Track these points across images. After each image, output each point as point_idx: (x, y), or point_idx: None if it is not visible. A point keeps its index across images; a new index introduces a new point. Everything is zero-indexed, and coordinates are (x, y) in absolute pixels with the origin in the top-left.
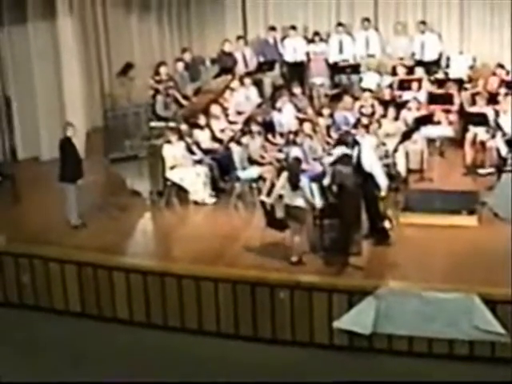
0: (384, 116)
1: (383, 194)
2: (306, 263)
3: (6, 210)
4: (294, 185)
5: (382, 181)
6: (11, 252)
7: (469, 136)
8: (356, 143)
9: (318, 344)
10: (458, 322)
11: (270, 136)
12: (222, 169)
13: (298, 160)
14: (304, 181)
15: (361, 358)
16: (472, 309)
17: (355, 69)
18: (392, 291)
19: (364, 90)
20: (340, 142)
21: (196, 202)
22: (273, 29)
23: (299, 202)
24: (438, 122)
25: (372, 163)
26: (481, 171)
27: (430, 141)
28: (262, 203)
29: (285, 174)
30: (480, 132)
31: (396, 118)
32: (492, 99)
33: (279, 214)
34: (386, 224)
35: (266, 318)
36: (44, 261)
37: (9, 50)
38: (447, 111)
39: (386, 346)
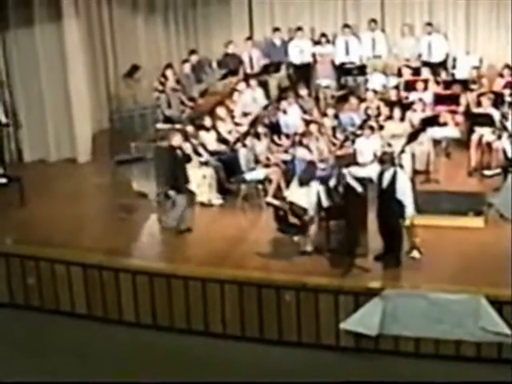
0: (390, 117)
1: (407, 223)
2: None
3: (13, 212)
4: (302, 182)
5: (410, 210)
6: (17, 254)
7: (474, 137)
8: (393, 164)
9: (324, 345)
10: (464, 323)
11: (275, 137)
12: (227, 170)
13: (312, 163)
14: (313, 184)
15: (367, 359)
16: (478, 310)
17: (361, 70)
18: (398, 292)
19: (370, 91)
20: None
21: (202, 204)
22: (277, 30)
23: (302, 200)
24: (444, 123)
25: (406, 189)
26: (487, 172)
27: (436, 142)
28: (275, 208)
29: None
30: (486, 133)
31: (402, 119)
32: (498, 100)
33: (292, 219)
34: (415, 254)
35: (272, 319)
36: (50, 263)
37: (15, 51)
38: (453, 112)
39: (393, 348)
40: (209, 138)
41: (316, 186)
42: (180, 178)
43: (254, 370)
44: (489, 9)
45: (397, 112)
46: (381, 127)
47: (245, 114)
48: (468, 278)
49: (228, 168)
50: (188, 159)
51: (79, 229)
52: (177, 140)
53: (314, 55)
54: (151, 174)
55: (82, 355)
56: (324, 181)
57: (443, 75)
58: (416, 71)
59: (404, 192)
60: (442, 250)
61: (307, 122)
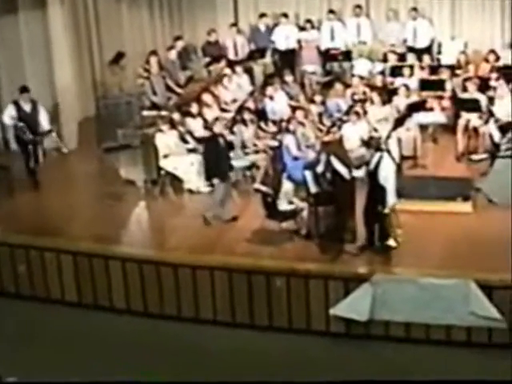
0: (372, 102)
1: (386, 210)
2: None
3: (2, 201)
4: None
5: (391, 197)
6: (7, 242)
7: (461, 122)
8: (379, 149)
9: (314, 331)
10: (454, 308)
11: (262, 124)
12: None
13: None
14: (288, 184)
15: (358, 344)
16: (468, 295)
17: (347, 56)
18: (388, 278)
19: (355, 76)
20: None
21: (190, 191)
22: (264, 15)
23: (283, 205)
24: (431, 109)
25: (388, 176)
26: (474, 157)
27: (423, 127)
28: (263, 195)
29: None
30: (473, 118)
31: (384, 103)
32: (484, 85)
33: (281, 206)
34: (391, 242)
35: (262, 305)
36: (40, 251)
37: None
38: (440, 97)
39: (383, 333)
40: (195, 125)
41: (289, 185)
42: (223, 166)
43: (244, 356)
44: None
45: (375, 96)
46: (365, 112)
47: (231, 101)
48: (457, 263)
49: None
50: (230, 147)
51: (68, 217)
52: (219, 127)
53: (299, 41)
54: (138, 161)
55: (73, 343)
56: (311, 167)
57: (428, 60)
58: (401, 57)
59: (387, 178)
60: (430, 235)
61: (293, 108)
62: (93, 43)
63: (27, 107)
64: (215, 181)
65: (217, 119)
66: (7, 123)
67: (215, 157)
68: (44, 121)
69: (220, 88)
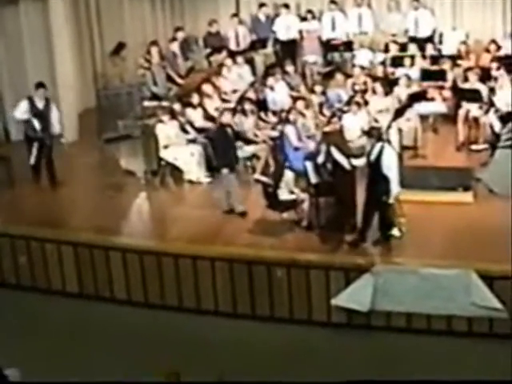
0: (374, 92)
1: (391, 200)
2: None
3: (2, 192)
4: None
5: (395, 187)
6: (8, 233)
7: (461, 112)
8: (380, 139)
9: (315, 321)
10: (455, 299)
11: (263, 114)
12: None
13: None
14: (288, 174)
15: (359, 335)
16: (469, 285)
17: (348, 46)
18: (389, 268)
19: (356, 67)
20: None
21: (191, 181)
22: (263, 5)
23: (284, 195)
24: (432, 99)
25: (391, 165)
26: (474, 147)
27: (424, 117)
28: (264, 185)
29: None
30: (473, 108)
31: (386, 94)
32: (485, 75)
33: (282, 196)
34: (395, 232)
35: (263, 296)
36: (41, 242)
37: (0, 30)
38: (441, 88)
39: (385, 323)
40: (196, 116)
41: (290, 174)
42: (232, 156)
43: (245, 347)
44: None
45: (377, 86)
46: (366, 103)
47: (232, 91)
48: (458, 254)
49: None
50: (238, 137)
51: (69, 208)
52: (227, 118)
53: (300, 32)
54: (139, 151)
55: (74, 334)
56: (312, 157)
57: (430, 51)
58: (403, 47)
59: (390, 167)
60: (431, 225)
61: (294, 99)
62: (94, 34)
63: (40, 104)
64: (224, 171)
65: (225, 109)
66: (19, 118)
67: (223, 147)
68: (55, 121)
69: (221, 78)
